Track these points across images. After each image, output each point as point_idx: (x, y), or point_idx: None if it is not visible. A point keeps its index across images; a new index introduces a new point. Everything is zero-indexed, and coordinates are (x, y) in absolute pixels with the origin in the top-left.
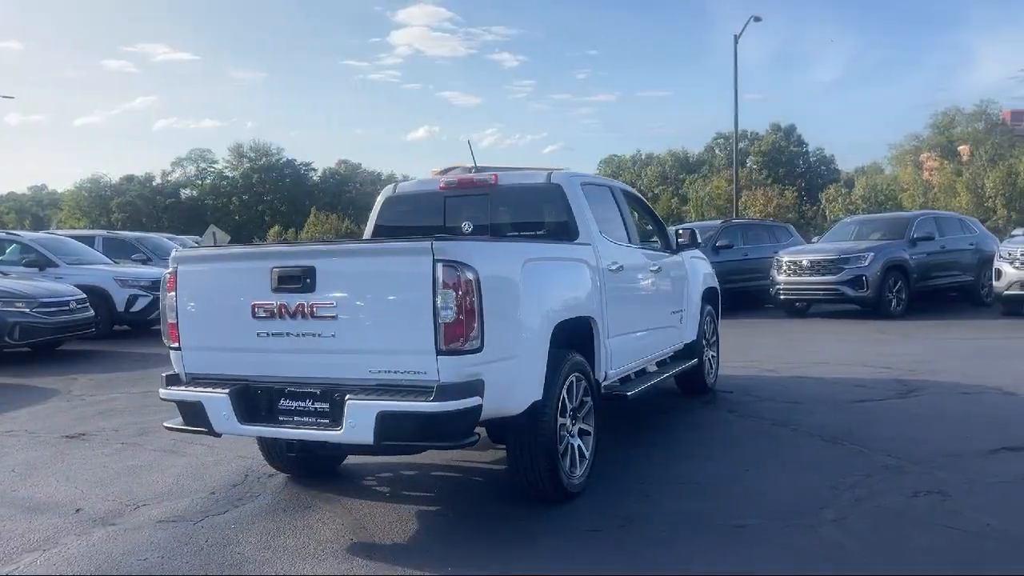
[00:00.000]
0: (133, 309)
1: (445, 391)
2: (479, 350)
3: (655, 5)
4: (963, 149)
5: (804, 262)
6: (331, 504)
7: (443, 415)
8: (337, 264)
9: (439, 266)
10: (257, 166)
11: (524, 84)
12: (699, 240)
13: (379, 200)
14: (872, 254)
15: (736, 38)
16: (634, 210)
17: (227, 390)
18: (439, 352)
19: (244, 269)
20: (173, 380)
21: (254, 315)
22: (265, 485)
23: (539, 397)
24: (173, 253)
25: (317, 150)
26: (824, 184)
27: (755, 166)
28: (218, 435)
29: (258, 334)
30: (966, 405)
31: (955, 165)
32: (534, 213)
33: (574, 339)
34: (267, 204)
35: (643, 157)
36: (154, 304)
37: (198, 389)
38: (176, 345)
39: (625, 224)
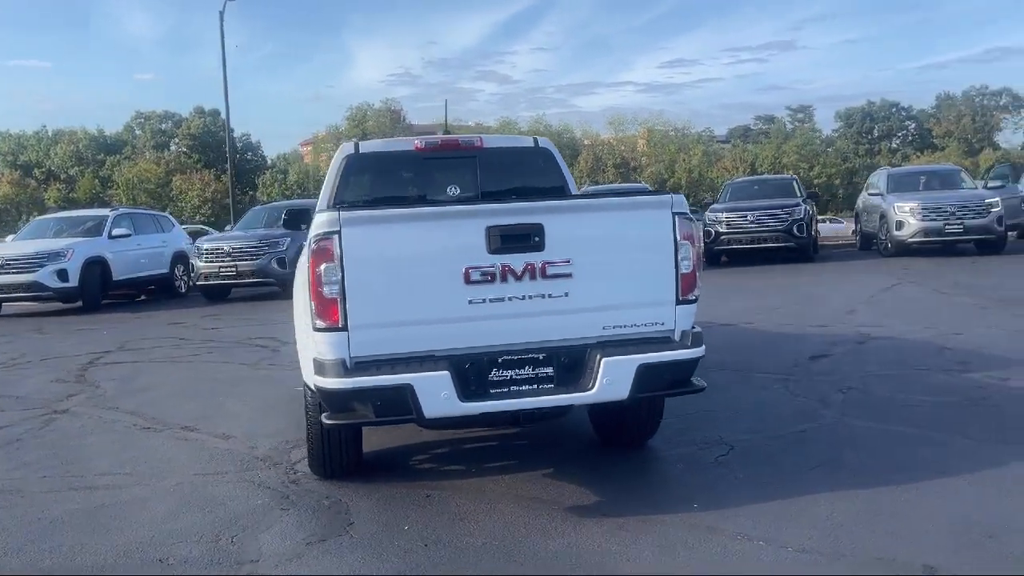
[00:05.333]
0: None
1: (693, 339)
2: (697, 300)
3: None
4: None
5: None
6: (446, 490)
7: (694, 362)
8: (568, 220)
9: (677, 219)
10: None
11: None
12: None
13: (338, 160)
14: None
15: (221, 14)
16: None
17: (443, 367)
18: (678, 302)
19: (447, 229)
20: (342, 368)
21: (468, 280)
22: (328, 496)
23: None
24: (330, 215)
25: None
26: (252, 170)
27: (185, 149)
28: (426, 421)
29: (470, 301)
30: (717, 338)
31: None
32: (526, 177)
33: None
34: None
35: (50, 134)
36: None
37: (397, 372)
38: (339, 325)
39: None
